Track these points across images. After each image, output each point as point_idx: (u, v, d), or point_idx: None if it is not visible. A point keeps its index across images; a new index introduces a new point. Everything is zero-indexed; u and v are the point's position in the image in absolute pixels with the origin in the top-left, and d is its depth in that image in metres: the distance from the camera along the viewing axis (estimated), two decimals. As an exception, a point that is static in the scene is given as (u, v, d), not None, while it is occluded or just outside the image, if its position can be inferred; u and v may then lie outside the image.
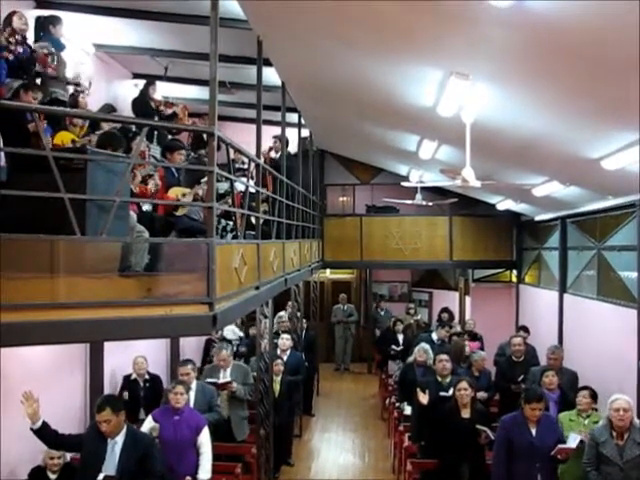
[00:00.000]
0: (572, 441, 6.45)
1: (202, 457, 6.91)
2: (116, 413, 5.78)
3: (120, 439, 5.81)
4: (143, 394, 9.37)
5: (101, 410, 5.78)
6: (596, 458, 6.13)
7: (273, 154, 11.86)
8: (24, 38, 6.63)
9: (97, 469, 5.67)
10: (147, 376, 9.60)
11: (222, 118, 13.08)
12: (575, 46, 4.43)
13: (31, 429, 5.84)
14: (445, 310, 15.02)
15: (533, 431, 6.42)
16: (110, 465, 5.72)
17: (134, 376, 9.50)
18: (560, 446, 6.37)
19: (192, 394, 7.67)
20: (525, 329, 11.85)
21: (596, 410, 7.19)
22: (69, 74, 7.39)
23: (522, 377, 9.01)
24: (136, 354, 9.60)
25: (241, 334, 13.06)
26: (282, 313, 12.94)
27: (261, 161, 7.40)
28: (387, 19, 5.16)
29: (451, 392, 7.87)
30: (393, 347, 13.31)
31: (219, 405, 8.06)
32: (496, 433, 6.77)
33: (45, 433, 5.92)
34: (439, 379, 8.46)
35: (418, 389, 8.05)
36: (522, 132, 7.44)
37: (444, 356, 8.68)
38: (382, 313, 16.94)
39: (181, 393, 6.98)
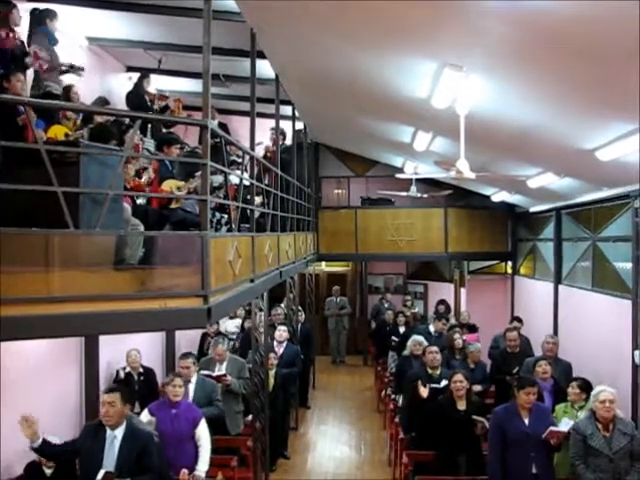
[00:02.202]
0: (564, 425, 6.46)
1: (201, 449, 6.92)
2: (123, 402, 5.81)
3: (119, 433, 5.80)
4: (137, 387, 9.37)
5: (111, 392, 5.84)
6: (583, 451, 6.17)
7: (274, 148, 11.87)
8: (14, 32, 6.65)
9: (97, 464, 5.68)
10: (141, 369, 9.59)
11: (221, 111, 13.14)
12: (569, 37, 4.42)
13: (31, 448, 5.81)
14: (442, 302, 15.02)
15: (526, 421, 6.42)
16: (109, 460, 5.73)
17: (128, 369, 9.49)
18: (552, 428, 6.36)
19: (192, 387, 7.67)
20: (518, 319, 11.87)
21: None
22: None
23: (517, 369, 9.01)
24: (131, 347, 9.59)
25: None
26: (281, 306, 12.90)
27: (255, 153, 7.39)
28: (382, 11, 5.15)
29: (442, 384, 7.89)
30: (393, 338, 13.34)
31: (219, 400, 8.01)
32: (489, 424, 6.78)
33: (45, 449, 5.89)
34: (429, 371, 8.44)
35: (419, 383, 8.03)
36: (516, 123, 7.43)
37: (434, 347, 8.65)
38: (386, 305, 16.93)
39: (180, 386, 6.99)
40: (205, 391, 7.77)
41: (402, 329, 13.43)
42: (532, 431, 6.35)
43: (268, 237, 7.57)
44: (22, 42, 6.79)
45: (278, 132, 10.17)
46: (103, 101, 8.69)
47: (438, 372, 8.38)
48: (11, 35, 6.52)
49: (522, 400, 6.43)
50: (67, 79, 7.64)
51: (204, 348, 12.24)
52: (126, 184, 5.95)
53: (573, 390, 7.17)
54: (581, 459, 6.18)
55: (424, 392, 7.93)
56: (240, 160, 8.89)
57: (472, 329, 12.57)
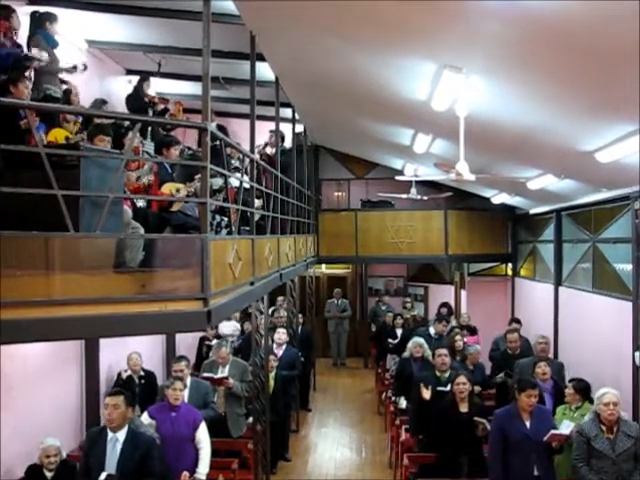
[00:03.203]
0: (565, 428, 6.45)
1: (201, 452, 6.94)
2: (126, 405, 5.89)
3: (121, 436, 5.85)
4: (138, 390, 9.34)
5: (115, 395, 5.94)
6: (587, 453, 6.14)
7: (269, 150, 11.86)
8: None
9: (100, 467, 5.71)
10: (142, 372, 9.58)
11: (220, 114, 13.16)
12: (569, 39, 4.42)
13: None
14: (445, 305, 14.95)
15: (527, 423, 6.40)
16: (111, 462, 5.76)
17: (129, 372, 9.48)
18: (553, 432, 6.35)
19: (186, 390, 7.67)
20: (517, 321, 11.85)
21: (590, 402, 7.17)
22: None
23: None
24: (132, 350, 9.58)
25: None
26: (281, 309, 12.91)
27: (255, 156, 7.39)
28: (381, 13, 5.15)
29: (449, 387, 7.87)
30: (390, 340, 13.35)
31: (214, 401, 8.06)
32: (490, 427, 6.77)
33: None
34: (437, 374, 8.37)
35: (421, 384, 8.00)
36: (516, 125, 7.43)
37: (443, 350, 8.54)
38: (383, 308, 16.91)
39: (180, 389, 7.01)
40: (199, 393, 7.80)
41: (399, 331, 13.43)
42: (533, 434, 6.34)
43: (268, 240, 7.57)
44: (20, 45, 6.77)
45: (278, 135, 10.17)
46: (101, 103, 8.68)
47: (447, 375, 8.27)
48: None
49: (523, 403, 6.41)
50: (69, 78, 7.66)
51: (202, 351, 12.25)
52: (126, 189, 5.96)
53: (569, 391, 7.18)
54: (584, 461, 6.14)
55: (426, 394, 7.91)
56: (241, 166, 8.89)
57: (472, 331, 12.56)
